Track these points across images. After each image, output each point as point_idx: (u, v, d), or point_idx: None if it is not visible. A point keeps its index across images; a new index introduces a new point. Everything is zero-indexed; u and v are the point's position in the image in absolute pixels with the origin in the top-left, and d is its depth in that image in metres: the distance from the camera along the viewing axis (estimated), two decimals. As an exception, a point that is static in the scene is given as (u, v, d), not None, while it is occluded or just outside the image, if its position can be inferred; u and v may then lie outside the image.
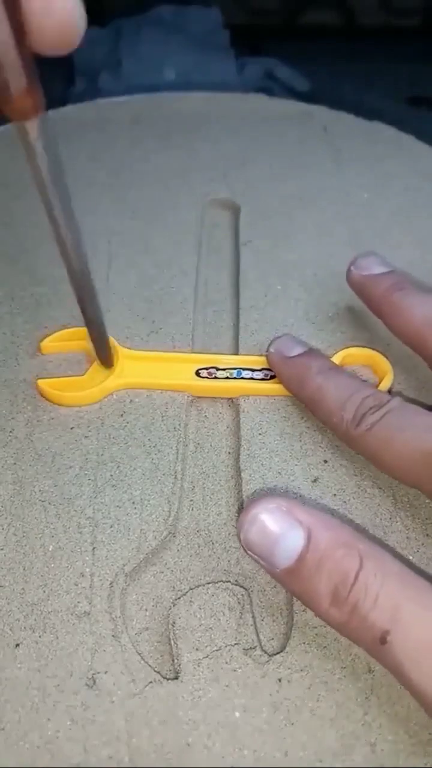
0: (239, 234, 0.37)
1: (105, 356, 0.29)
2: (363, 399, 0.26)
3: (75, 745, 0.21)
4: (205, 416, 0.30)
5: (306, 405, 0.28)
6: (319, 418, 0.28)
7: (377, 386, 0.29)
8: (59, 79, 0.57)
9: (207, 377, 0.30)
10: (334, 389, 0.27)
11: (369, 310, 0.30)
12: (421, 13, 0.60)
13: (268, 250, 0.36)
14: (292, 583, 0.21)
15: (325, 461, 0.28)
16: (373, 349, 0.31)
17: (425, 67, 0.57)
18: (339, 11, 0.61)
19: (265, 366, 0.30)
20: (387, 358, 0.30)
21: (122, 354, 0.30)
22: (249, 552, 0.22)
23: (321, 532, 0.21)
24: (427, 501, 0.26)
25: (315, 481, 0.27)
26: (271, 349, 0.30)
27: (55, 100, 0.45)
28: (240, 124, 0.44)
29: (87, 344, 0.31)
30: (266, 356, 0.30)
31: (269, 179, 0.40)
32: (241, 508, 0.26)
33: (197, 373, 0.30)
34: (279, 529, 0.21)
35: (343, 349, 0.31)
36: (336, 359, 0.30)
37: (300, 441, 0.28)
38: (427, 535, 0.26)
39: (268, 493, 0.27)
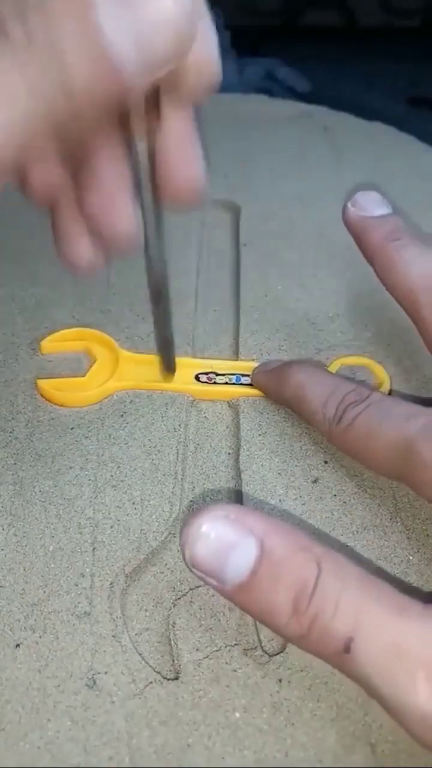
0: (239, 234, 0.37)
1: (169, 364, 0.29)
2: (345, 395, 0.25)
3: (75, 746, 0.21)
4: (206, 417, 0.30)
5: (289, 406, 0.28)
6: (304, 418, 0.27)
7: None
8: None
9: (206, 382, 0.30)
10: (317, 386, 0.26)
11: (369, 265, 0.28)
12: (422, 14, 0.60)
13: (269, 251, 0.36)
14: (247, 599, 0.19)
15: (326, 462, 0.28)
16: (370, 356, 0.31)
17: (425, 67, 0.57)
18: (339, 12, 0.61)
19: None
20: (386, 362, 0.30)
21: (123, 357, 0.30)
22: (194, 571, 0.19)
23: (274, 539, 0.19)
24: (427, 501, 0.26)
25: (315, 481, 0.27)
26: (256, 369, 0.30)
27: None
28: (240, 125, 0.44)
29: (87, 344, 0.31)
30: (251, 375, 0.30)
31: (270, 180, 0.40)
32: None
33: (197, 378, 0.30)
34: (228, 541, 0.19)
35: (338, 358, 0.31)
36: (332, 369, 0.30)
37: (300, 441, 0.28)
38: (428, 535, 0.26)
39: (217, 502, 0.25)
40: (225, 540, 0.19)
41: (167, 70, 0.16)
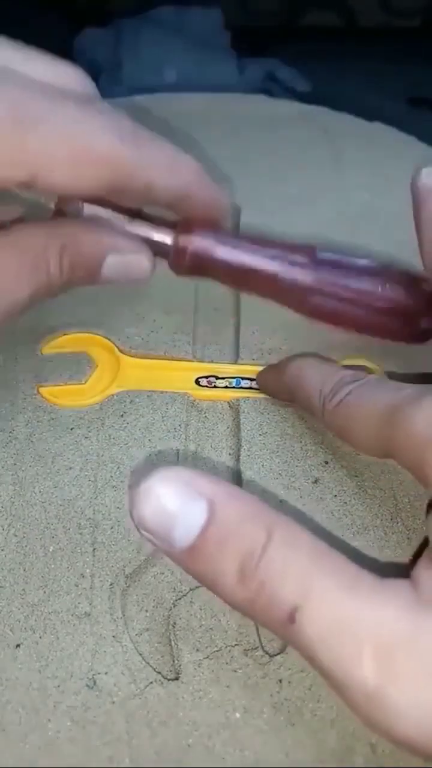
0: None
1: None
2: (342, 377, 0.25)
3: (75, 746, 0.21)
4: (206, 417, 0.30)
5: (289, 397, 0.27)
6: (302, 405, 0.26)
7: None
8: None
9: (207, 386, 0.30)
10: (315, 370, 0.26)
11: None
12: (422, 14, 0.60)
13: (269, 251, 0.36)
14: (194, 562, 0.19)
15: (326, 462, 0.28)
16: (369, 357, 0.31)
17: (426, 67, 0.57)
18: (339, 12, 0.61)
19: None
20: (384, 363, 0.30)
21: (123, 362, 0.30)
22: (142, 531, 0.19)
23: (225, 504, 0.19)
24: (428, 501, 0.26)
25: (316, 482, 0.27)
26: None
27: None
28: (241, 125, 0.44)
29: (88, 348, 0.31)
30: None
31: (270, 180, 0.40)
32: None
33: (197, 382, 0.30)
34: (178, 502, 0.18)
35: (338, 359, 0.31)
36: None
37: (300, 442, 0.28)
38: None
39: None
40: (174, 502, 0.19)
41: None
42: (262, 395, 0.30)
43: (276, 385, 0.29)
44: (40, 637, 0.23)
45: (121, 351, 0.31)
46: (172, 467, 0.19)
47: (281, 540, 0.18)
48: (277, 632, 0.18)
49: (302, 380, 0.26)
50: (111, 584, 0.24)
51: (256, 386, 0.30)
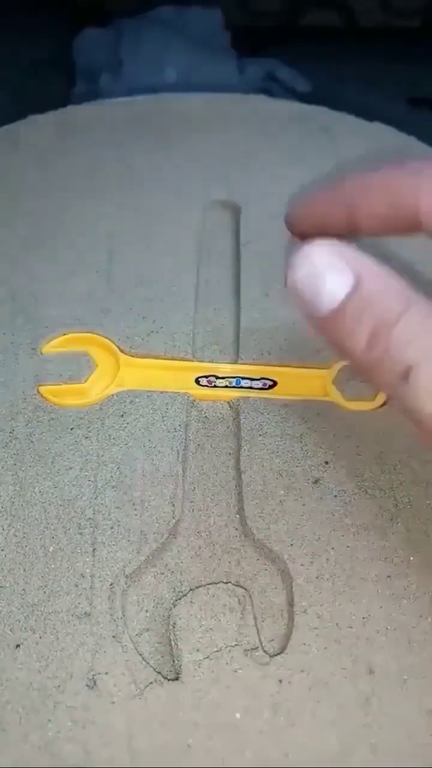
0: (240, 234, 0.37)
1: None
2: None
3: (75, 746, 0.21)
4: (206, 417, 0.30)
5: (348, 214, 0.25)
6: (372, 216, 0.24)
7: (374, 397, 0.29)
8: (60, 80, 0.57)
9: (206, 386, 0.30)
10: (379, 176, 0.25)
11: None
12: (422, 14, 0.60)
13: (269, 251, 0.36)
14: (333, 328, 0.20)
15: (326, 462, 0.28)
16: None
17: (426, 68, 0.57)
18: (339, 12, 0.61)
19: (264, 375, 0.30)
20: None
21: (123, 362, 0.30)
22: (293, 295, 0.20)
23: (371, 278, 0.20)
24: (428, 501, 0.26)
25: (316, 482, 0.27)
26: None
27: (55, 101, 0.45)
28: (241, 125, 0.44)
29: (88, 348, 0.31)
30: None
31: (270, 180, 0.40)
32: (242, 510, 0.26)
33: (197, 381, 0.30)
34: (328, 267, 0.20)
35: (339, 359, 0.31)
36: (333, 370, 0.30)
37: (301, 442, 0.28)
38: (428, 535, 0.26)
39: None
40: (325, 265, 0.20)
41: None
42: (262, 395, 0.30)
43: (328, 209, 0.26)
44: (40, 637, 0.23)
45: (121, 351, 0.31)
46: (329, 240, 0.20)
47: (416, 315, 0.19)
48: (389, 391, 0.19)
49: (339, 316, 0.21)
50: (111, 584, 0.24)
51: (256, 386, 0.30)
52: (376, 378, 0.19)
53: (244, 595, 0.24)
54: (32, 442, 0.28)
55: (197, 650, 0.23)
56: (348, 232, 0.25)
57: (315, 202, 0.27)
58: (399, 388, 0.19)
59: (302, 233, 0.27)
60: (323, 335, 0.21)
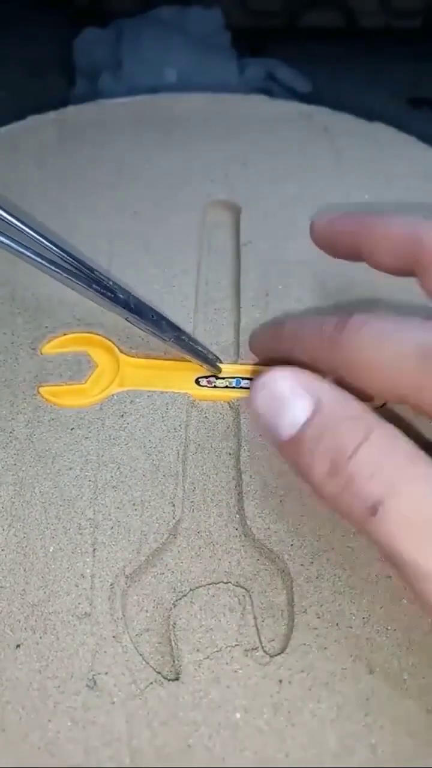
0: (240, 234, 0.37)
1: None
2: (349, 311, 0.23)
3: (75, 746, 0.21)
4: (206, 417, 0.30)
5: (287, 349, 0.25)
6: (300, 354, 0.24)
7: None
8: (60, 80, 0.57)
9: (207, 386, 0.30)
10: (311, 320, 0.24)
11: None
12: (422, 15, 0.60)
13: (269, 251, 0.36)
14: (293, 453, 0.20)
15: (326, 462, 0.27)
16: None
17: (426, 68, 0.57)
18: (340, 13, 0.61)
19: None
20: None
21: (123, 362, 0.30)
22: (255, 420, 0.21)
23: (330, 404, 0.20)
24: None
25: (316, 481, 0.27)
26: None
27: (55, 101, 0.45)
28: (241, 125, 0.44)
29: (88, 348, 0.31)
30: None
31: (270, 180, 0.40)
32: (242, 510, 0.26)
33: (197, 382, 0.30)
34: (288, 393, 0.20)
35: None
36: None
37: (301, 442, 0.28)
38: (428, 536, 0.26)
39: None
40: (286, 392, 0.21)
41: None
42: None
43: (271, 343, 0.28)
44: (40, 638, 0.23)
45: (121, 351, 0.31)
46: (290, 368, 0.21)
47: (377, 442, 0.19)
48: (357, 525, 0.19)
49: (304, 324, 0.24)
50: (111, 584, 0.24)
51: None
52: (342, 509, 0.19)
53: (244, 595, 0.24)
54: (32, 442, 0.28)
55: (197, 650, 0.23)
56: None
57: (259, 338, 0.30)
58: (367, 524, 0.19)
59: (263, 359, 0.29)
60: (286, 459, 0.21)
